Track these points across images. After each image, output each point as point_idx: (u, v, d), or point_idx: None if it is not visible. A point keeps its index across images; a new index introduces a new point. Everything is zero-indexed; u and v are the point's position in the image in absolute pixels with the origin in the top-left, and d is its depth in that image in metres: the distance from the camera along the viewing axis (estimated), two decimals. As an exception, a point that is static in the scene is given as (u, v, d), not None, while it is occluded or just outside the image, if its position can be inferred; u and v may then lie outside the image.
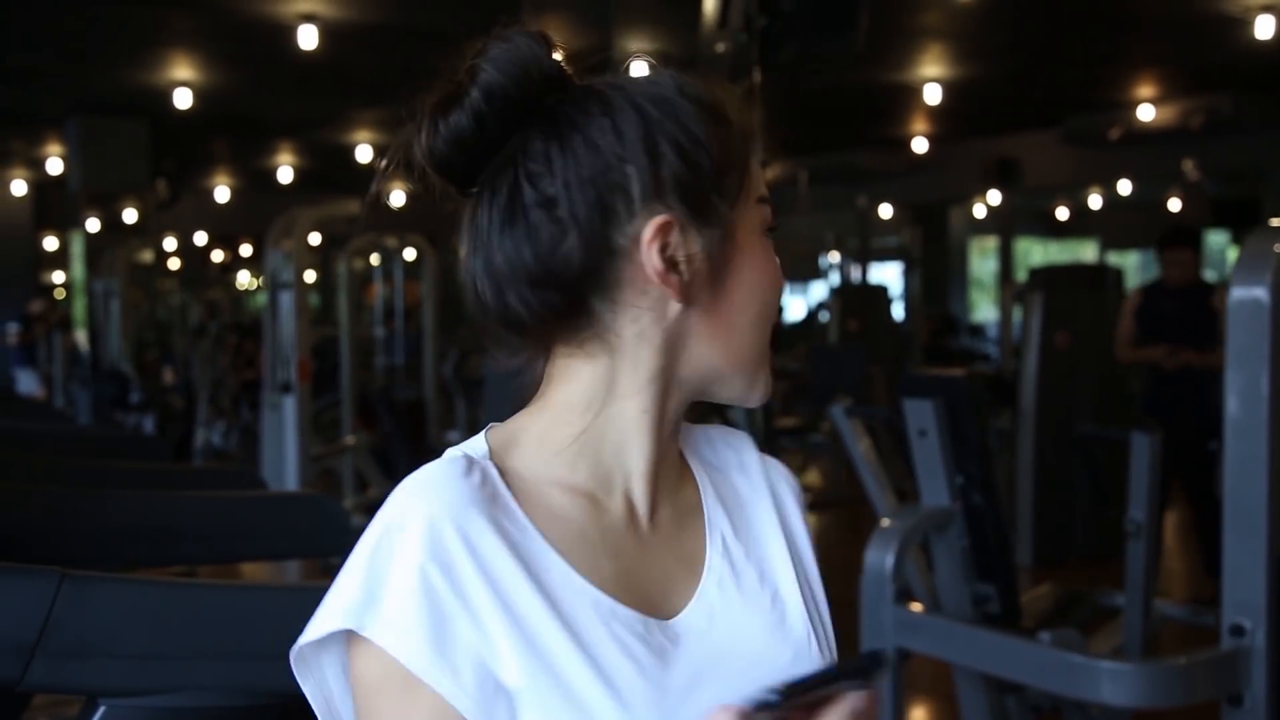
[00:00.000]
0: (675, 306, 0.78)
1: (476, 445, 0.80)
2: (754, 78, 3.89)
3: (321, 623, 0.72)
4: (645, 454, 0.81)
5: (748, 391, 0.83)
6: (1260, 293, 2.21)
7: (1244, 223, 10.46)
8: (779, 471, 0.91)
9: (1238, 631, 2.22)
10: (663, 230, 0.77)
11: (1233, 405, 2.25)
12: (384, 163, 0.82)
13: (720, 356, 0.81)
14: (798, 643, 0.83)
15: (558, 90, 0.79)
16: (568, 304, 0.78)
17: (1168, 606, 2.99)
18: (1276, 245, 2.25)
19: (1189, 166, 9.84)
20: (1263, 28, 6.64)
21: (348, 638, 0.74)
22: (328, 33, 6.67)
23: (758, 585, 0.83)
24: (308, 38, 6.62)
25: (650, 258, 0.77)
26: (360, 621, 0.71)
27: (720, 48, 3.79)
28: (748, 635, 0.80)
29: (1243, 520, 2.23)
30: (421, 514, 0.73)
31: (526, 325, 0.79)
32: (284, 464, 6.31)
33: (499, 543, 0.74)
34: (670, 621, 0.78)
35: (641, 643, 0.75)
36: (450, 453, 0.79)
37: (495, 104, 0.77)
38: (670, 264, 0.77)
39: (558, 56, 0.80)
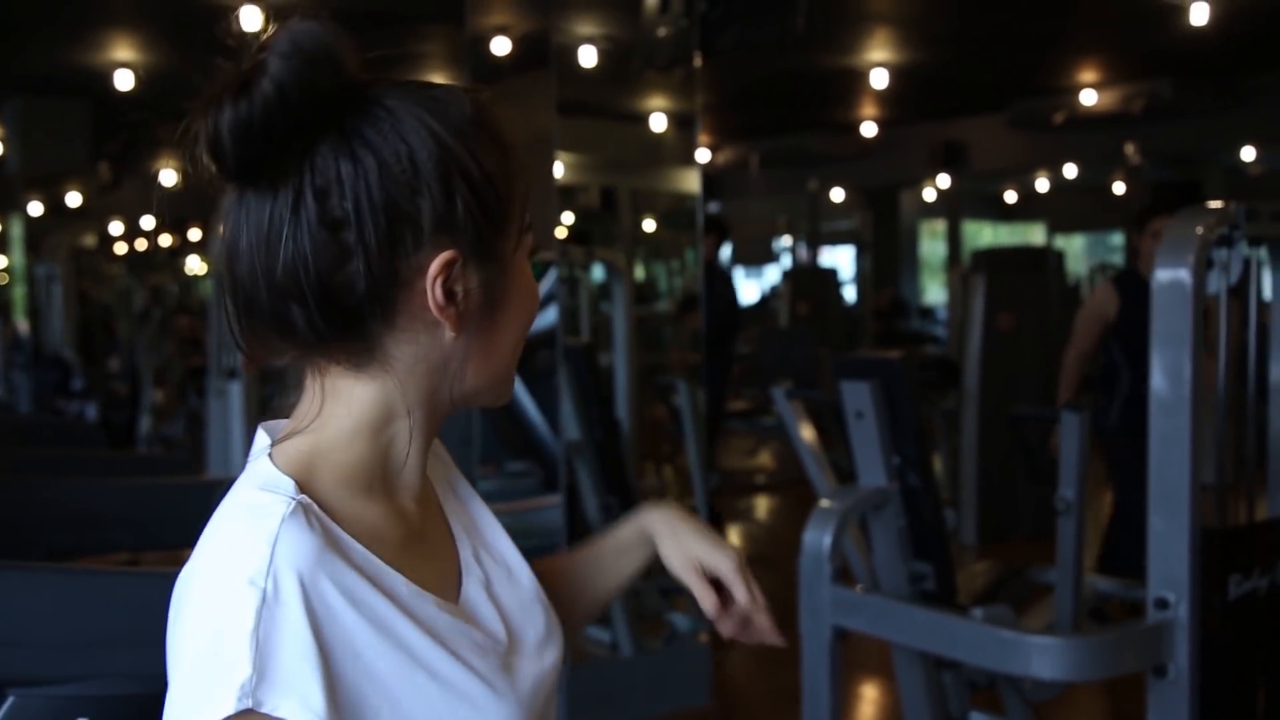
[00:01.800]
0: (449, 335, 0.81)
1: (281, 483, 0.78)
2: (695, 62, 3.91)
3: (215, 706, 0.70)
4: (418, 466, 0.87)
5: (496, 400, 0.89)
6: (1183, 274, 2.26)
7: (1186, 206, 10.63)
8: (447, 457, 0.98)
9: (1162, 605, 2.28)
10: (447, 266, 0.79)
11: (1157, 384, 2.30)
12: (177, 142, 0.79)
13: (483, 377, 0.85)
14: (529, 585, 0.94)
15: (350, 93, 0.78)
16: (345, 324, 0.79)
17: (1099, 582, 3.05)
18: (1199, 228, 2.30)
19: (1131, 151, 9.98)
20: (1198, 14, 6.74)
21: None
22: (272, 14, 6.59)
23: (486, 546, 0.93)
24: (251, 19, 6.54)
25: (434, 292, 0.79)
26: (258, 699, 0.70)
27: (661, 32, 3.79)
28: (505, 592, 0.91)
29: (1167, 497, 2.29)
30: (289, 576, 0.73)
31: (300, 337, 0.80)
32: (230, 451, 6.27)
33: (356, 576, 0.77)
34: (458, 604, 0.87)
35: (464, 628, 0.84)
36: (265, 501, 0.77)
37: (286, 103, 0.75)
38: (449, 296, 0.80)
39: (355, 53, 0.79)
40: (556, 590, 1.01)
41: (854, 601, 2.74)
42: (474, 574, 0.90)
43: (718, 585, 1.00)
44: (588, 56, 3.94)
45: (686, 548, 1.02)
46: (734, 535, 5.96)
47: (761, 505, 7.25)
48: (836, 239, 13.95)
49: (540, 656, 0.90)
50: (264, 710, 0.70)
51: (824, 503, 2.83)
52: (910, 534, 2.87)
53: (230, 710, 0.70)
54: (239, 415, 6.31)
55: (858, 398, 2.78)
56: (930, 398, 6.85)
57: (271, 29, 0.77)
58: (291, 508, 0.76)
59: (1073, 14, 7.21)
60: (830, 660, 2.75)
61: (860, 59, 8.19)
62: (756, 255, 14.93)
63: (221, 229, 0.81)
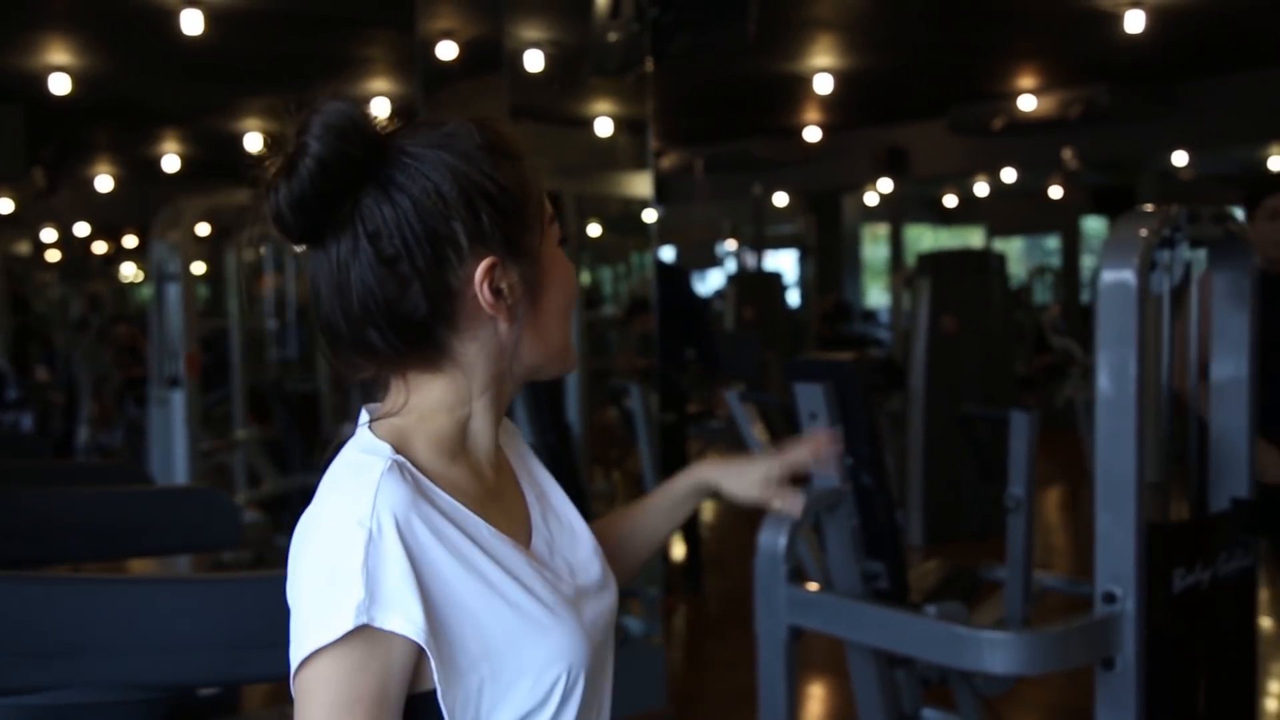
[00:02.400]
0: (504, 326, 0.99)
1: (381, 448, 0.95)
2: (646, 67, 3.92)
3: (339, 623, 0.86)
4: (491, 436, 1.03)
5: (562, 369, 1.07)
6: (1128, 275, 2.31)
7: (1120, 210, 10.84)
8: (516, 432, 1.16)
9: (1109, 599, 2.33)
10: (489, 270, 0.96)
11: (1103, 384, 2.35)
12: (246, 228, 0.97)
13: (540, 354, 1.03)
14: (589, 544, 1.11)
15: (376, 151, 0.94)
16: (417, 337, 0.97)
17: (1047, 578, 3.11)
18: (1143, 230, 2.35)
19: (1068, 155, 10.17)
20: (1133, 22, 6.89)
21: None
22: (214, 18, 6.51)
23: (554, 512, 1.10)
24: (192, 22, 6.46)
25: (483, 293, 0.96)
26: (372, 615, 0.86)
27: (612, 37, 3.80)
28: (567, 549, 1.08)
29: (1113, 493, 2.34)
30: (389, 516, 0.89)
31: (382, 357, 0.98)
32: (172, 460, 6.17)
33: (443, 519, 0.94)
34: (529, 551, 1.03)
35: (539, 568, 1.00)
36: (367, 460, 0.94)
37: (328, 171, 0.92)
38: (497, 294, 0.97)
39: (374, 119, 0.95)
40: (616, 543, 1.24)
41: (809, 601, 2.77)
42: (541, 533, 1.06)
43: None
44: (537, 61, 3.94)
45: (750, 471, 1.27)
46: (679, 539, 5.99)
47: (709, 508, 7.28)
48: (780, 243, 14.05)
49: (598, 598, 1.07)
50: (376, 625, 0.87)
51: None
52: (863, 533, 2.91)
53: (350, 626, 0.86)
54: (181, 424, 6.21)
55: (811, 399, 2.81)
56: (875, 400, 6.92)
57: (303, 114, 0.93)
58: (388, 464, 0.92)
59: (1012, 21, 7.34)
60: (786, 659, 2.77)
61: (804, 65, 8.27)
62: (701, 260, 14.99)
63: (308, 281, 0.99)
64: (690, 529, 5.44)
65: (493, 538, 0.97)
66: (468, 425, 1.01)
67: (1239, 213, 2.66)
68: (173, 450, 6.21)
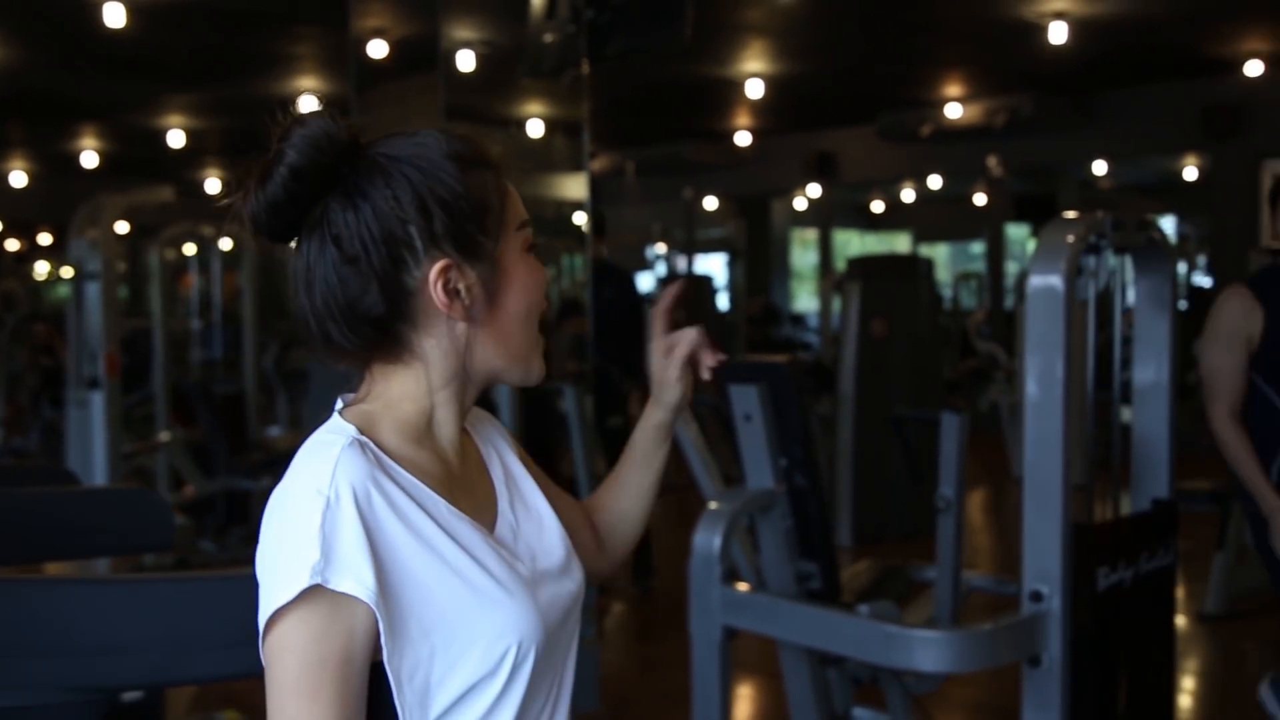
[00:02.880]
0: (461, 325, 1.05)
1: (347, 429, 1.02)
2: (582, 69, 3.91)
3: (295, 583, 0.92)
4: (455, 426, 1.10)
5: (525, 377, 1.12)
6: (1055, 280, 2.36)
7: (1042, 217, 11.06)
8: (494, 424, 1.23)
9: (1036, 597, 2.38)
10: (443, 271, 1.02)
11: (1031, 388, 2.40)
12: (224, 224, 1.03)
13: (500, 356, 1.09)
14: (556, 533, 1.16)
15: (348, 159, 1.02)
16: (379, 334, 1.04)
17: (975, 578, 3.16)
18: (1069, 236, 2.41)
19: (993, 163, 10.35)
20: (1056, 33, 7.04)
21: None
22: (136, 11, 6.37)
23: (524, 502, 1.17)
24: (114, 15, 6.31)
25: (436, 293, 1.02)
26: (325, 577, 0.93)
27: (548, 38, 3.79)
28: (531, 536, 1.14)
29: (1040, 494, 2.39)
30: (346, 487, 0.96)
31: (348, 352, 1.05)
32: (92, 462, 6.03)
33: (401, 494, 1.00)
34: (493, 535, 1.09)
35: (496, 547, 1.06)
36: (331, 438, 1.01)
37: (300, 178, 0.99)
38: (452, 295, 1.03)
39: (352, 131, 1.02)
40: (609, 509, 1.33)
41: (744, 601, 2.79)
42: (506, 519, 1.13)
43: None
44: (471, 61, 3.92)
45: (665, 372, 1.28)
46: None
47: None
48: (710, 247, 14.12)
49: (558, 583, 1.12)
50: (329, 586, 0.93)
51: (713, 505, 2.87)
52: (797, 534, 2.93)
53: (305, 584, 0.92)
54: (101, 425, 6.07)
55: (746, 401, 2.84)
56: (806, 402, 6.99)
57: (286, 124, 1.00)
58: (350, 441, 1.00)
59: (939, 31, 7.46)
60: (721, 659, 2.79)
61: (736, 69, 8.32)
62: (631, 262, 15.00)
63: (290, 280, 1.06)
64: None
65: (451, 515, 1.03)
66: (432, 415, 1.07)
67: (1164, 222, 2.74)
68: (92, 452, 6.07)
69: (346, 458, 0.98)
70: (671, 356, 1.27)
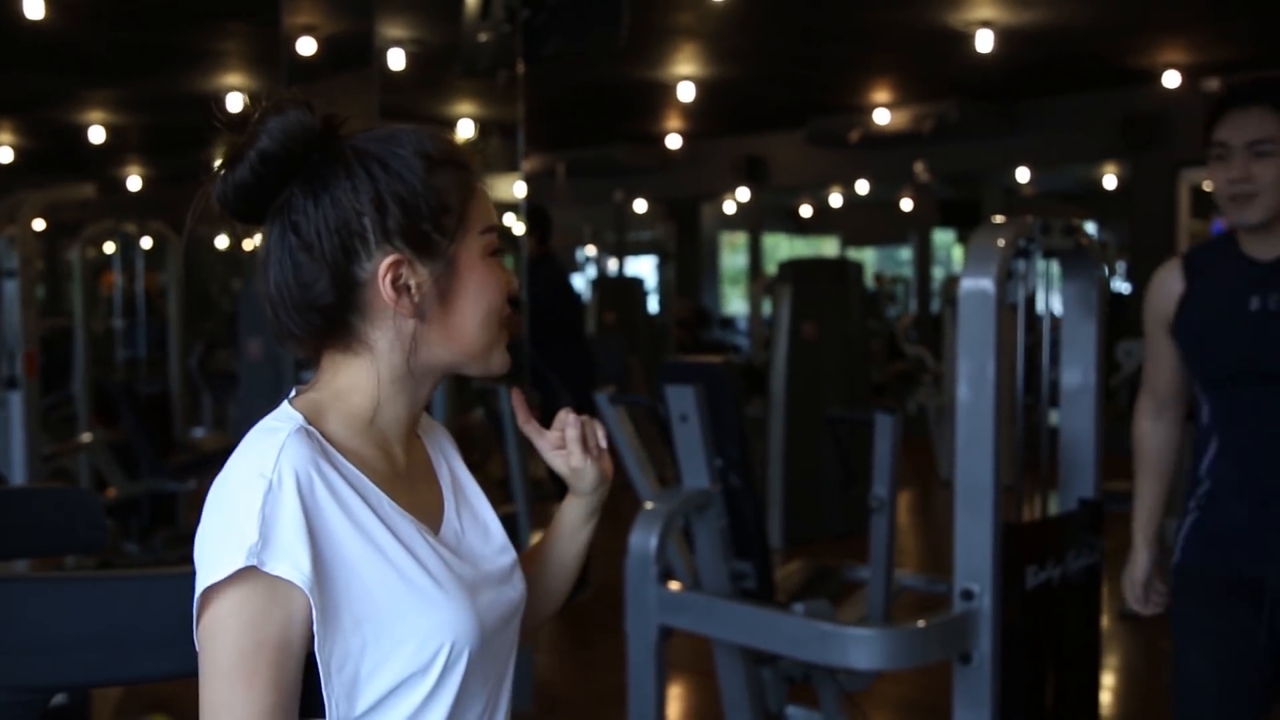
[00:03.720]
0: (411, 321, 1.05)
1: (294, 416, 1.03)
2: (517, 69, 3.90)
3: (231, 562, 0.93)
4: (403, 422, 1.11)
5: (485, 369, 1.12)
6: (986, 284, 2.41)
7: (967, 222, 11.26)
8: (444, 432, 1.24)
9: (967, 595, 2.42)
10: (393, 266, 1.03)
11: (963, 390, 2.44)
12: (192, 205, 1.04)
13: (453, 352, 1.09)
14: (499, 540, 1.17)
15: (319, 148, 1.03)
16: (328, 323, 1.05)
17: (906, 577, 3.21)
18: (1000, 240, 2.45)
19: (920, 168, 10.50)
20: (983, 42, 7.17)
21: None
22: (56, 3, 6.22)
23: (470, 509, 1.17)
24: (33, 7, 6.15)
25: (385, 288, 1.03)
26: (261, 559, 0.93)
27: (483, 38, 3.77)
28: (476, 542, 1.15)
29: (972, 495, 2.43)
30: (290, 472, 0.97)
31: (299, 338, 1.06)
32: (10, 464, 5.88)
33: (344, 484, 1.01)
34: (437, 537, 1.10)
35: (437, 547, 1.07)
36: (277, 425, 1.02)
37: (269, 164, 1.01)
38: (401, 290, 1.04)
39: (330, 122, 1.04)
40: (533, 577, 1.27)
41: (680, 601, 2.80)
42: (451, 524, 1.13)
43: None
44: (402, 59, 3.89)
45: (560, 464, 1.25)
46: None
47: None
48: (640, 249, 14.15)
49: (499, 590, 1.12)
50: (265, 569, 0.93)
51: (649, 505, 2.88)
52: (731, 534, 2.96)
53: (241, 564, 0.93)
54: (19, 425, 5.92)
55: (682, 401, 2.85)
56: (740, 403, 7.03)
57: (259, 109, 1.02)
58: (295, 428, 1.01)
59: (869, 38, 7.55)
60: (656, 658, 2.80)
61: (667, 72, 8.35)
62: (562, 264, 14.94)
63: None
64: None
65: (392, 510, 1.04)
66: (379, 408, 1.08)
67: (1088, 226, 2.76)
68: (10, 454, 5.92)
69: (292, 443, 0.99)
70: (567, 447, 1.22)
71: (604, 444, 1.25)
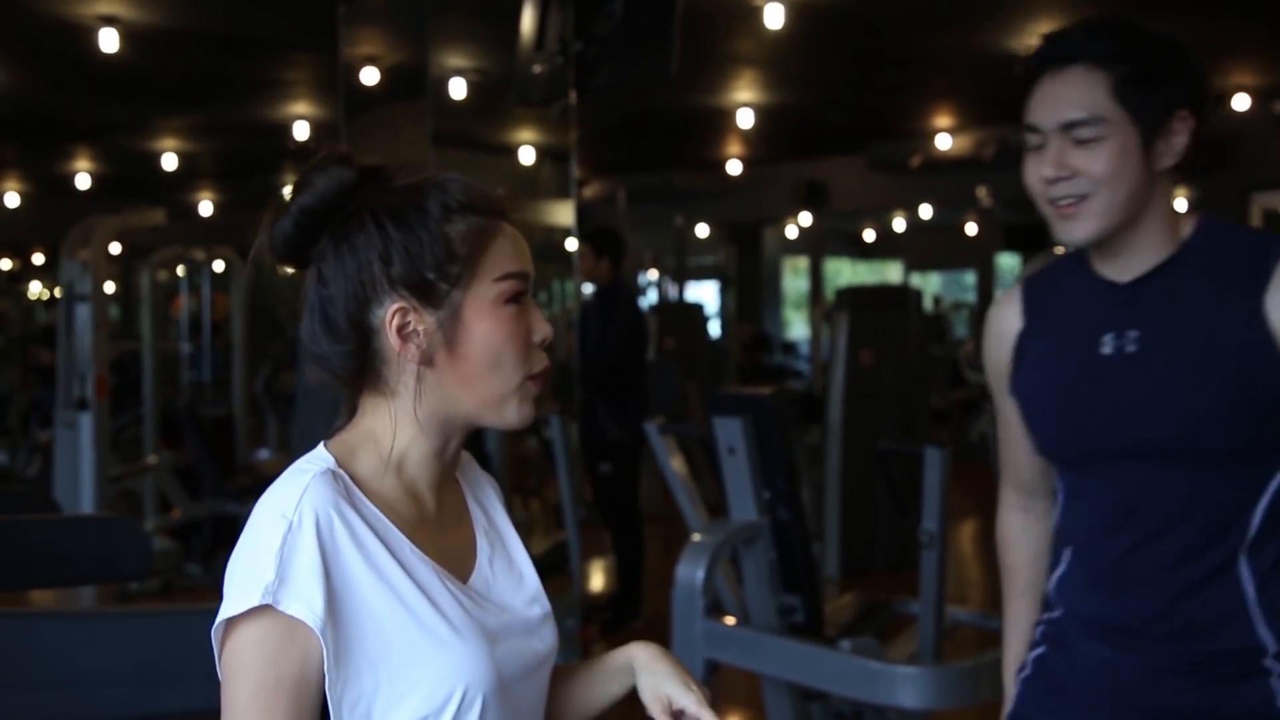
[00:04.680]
0: (421, 367, 1.07)
1: (325, 458, 1.07)
2: (570, 99, 3.93)
3: (247, 599, 0.97)
4: (431, 468, 1.12)
5: (501, 421, 1.11)
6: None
7: (1032, 247, 11.10)
8: (488, 479, 1.25)
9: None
10: (398, 313, 1.06)
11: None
12: (252, 253, 1.10)
13: (467, 399, 1.09)
14: (533, 591, 1.17)
15: (356, 198, 1.08)
16: (355, 365, 1.08)
17: (960, 613, 3.16)
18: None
19: (983, 193, 10.40)
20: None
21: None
22: (130, 36, 6.39)
23: (506, 557, 1.18)
24: (108, 41, 6.34)
25: (389, 333, 1.06)
26: (277, 598, 0.96)
27: (537, 69, 3.81)
28: (509, 591, 1.15)
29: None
30: (309, 513, 1.00)
31: (336, 378, 1.10)
32: (79, 485, 6.00)
33: (365, 527, 1.03)
34: (467, 585, 1.11)
35: (459, 595, 1.08)
36: (307, 466, 1.05)
37: (309, 217, 1.07)
38: (408, 337, 1.06)
39: (370, 172, 1.08)
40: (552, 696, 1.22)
41: (726, 635, 2.78)
42: (483, 572, 1.14)
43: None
44: (461, 89, 3.93)
45: (659, 683, 1.18)
46: (599, 569, 5.98)
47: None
48: (701, 274, 14.15)
49: (525, 640, 1.12)
50: (279, 608, 0.97)
51: (696, 537, 2.87)
52: (780, 567, 2.93)
53: (256, 602, 0.96)
54: (88, 446, 6.05)
55: (730, 433, 2.84)
56: (793, 432, 6.98)
57: (311, 164, 1.08)
58: (322, 470, 1.04)
59: (929, 63, 7.51)
60: (702, 693, 2.77)
61: (726, 99, 8.36)
62: (623, 288, 14.97)
63: None
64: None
65: (413, 555, 1.06)
66: (405, 452, 1.10)
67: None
68: (79, 475, 6.04)
69: (315, 485, 1.02)
70: (663, 712, 1.16)
71: None
